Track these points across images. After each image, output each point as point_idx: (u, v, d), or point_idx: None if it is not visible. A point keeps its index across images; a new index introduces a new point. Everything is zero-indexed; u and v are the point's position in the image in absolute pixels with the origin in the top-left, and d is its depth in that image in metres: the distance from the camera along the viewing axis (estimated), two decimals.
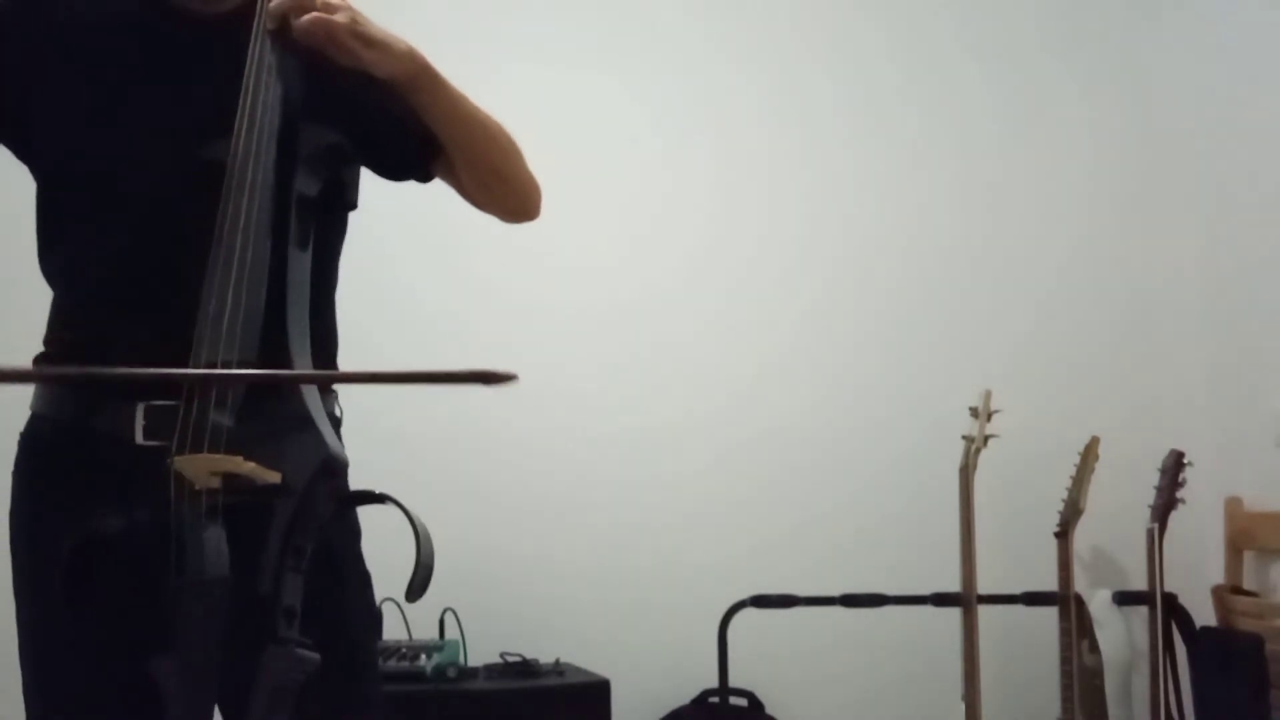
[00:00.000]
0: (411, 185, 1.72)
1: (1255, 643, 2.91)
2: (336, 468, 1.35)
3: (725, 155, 3.54)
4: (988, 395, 3.13)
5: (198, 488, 1.29)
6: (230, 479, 1.29)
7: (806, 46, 3.60)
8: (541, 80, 3.36)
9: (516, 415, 3.23)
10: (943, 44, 3.65)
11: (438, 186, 1.74)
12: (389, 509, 1.34)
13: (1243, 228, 3.37)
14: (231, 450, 1.30)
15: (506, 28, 3.43)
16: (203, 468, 1.28)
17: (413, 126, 1.58)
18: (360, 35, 1.47)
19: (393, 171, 1.69)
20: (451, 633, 3.04)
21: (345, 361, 1.61)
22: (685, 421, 3.41)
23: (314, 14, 1.45)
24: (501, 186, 1.68)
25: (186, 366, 1.33)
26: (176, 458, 1.29)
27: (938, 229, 3.58)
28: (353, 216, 1.63)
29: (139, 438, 1.40)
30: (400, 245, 3.17)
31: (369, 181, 1.65)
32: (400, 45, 1.51)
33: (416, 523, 1.30)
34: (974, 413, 3.13)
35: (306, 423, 1.34)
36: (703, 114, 3.54)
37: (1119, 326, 3.61)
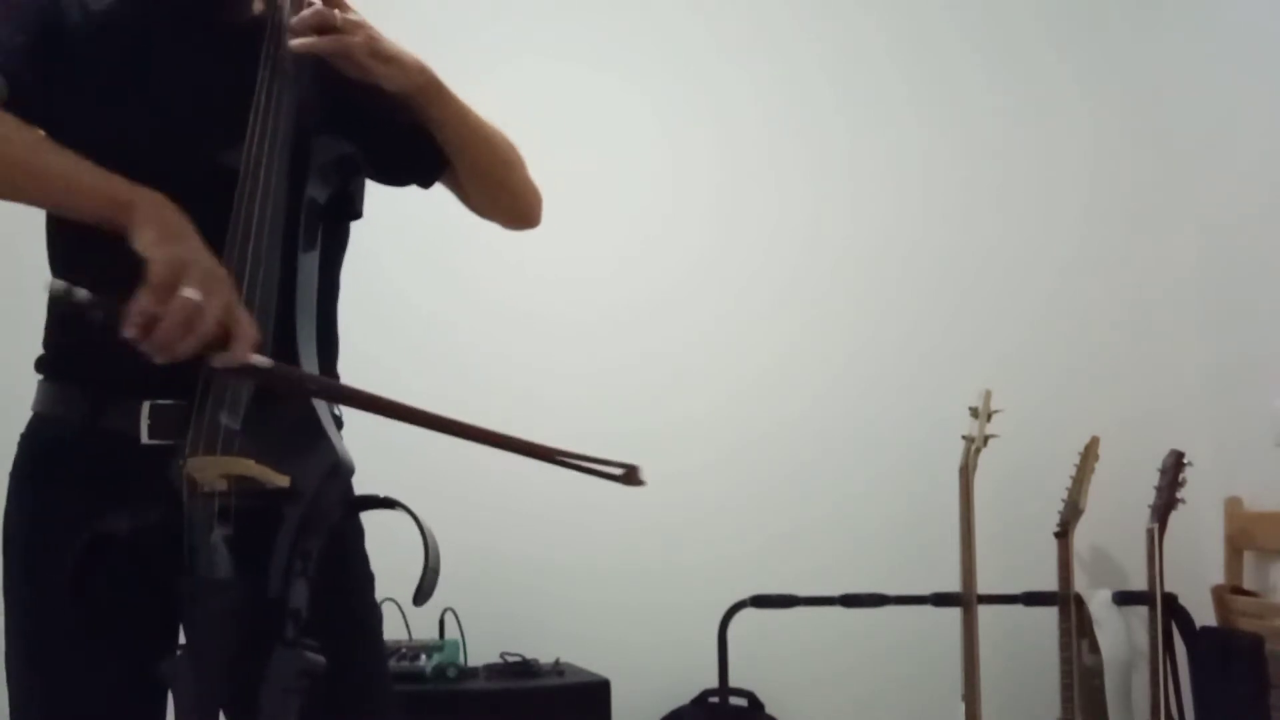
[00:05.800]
0: (409, 193, 1.73)
1: (1255, 643, 2.90)
2: (344, 472, 1.35)
3: (727, 157, 3.53)
4: (988, 395, 3.13)
5: (206, 490, 1.28)
6: (239, 481, 1.29)
7: (808, 48, 3.60)
8: (540, 80, 3.36)
9: (517, 416, 3.21)
10: (945, 45, 3.65)
11: (436, 195, 1.74)
12: (391, 510, 1.34)
13: (1242, 228, 3.36)
14: (240, 453, 1.29)
15: (504, 27, 3.42)
16: (213, 470, 1.28)
17: (420, 137, 1.60)
18: (377, 53, 1.50)
19: (397, 179, 1.70)
20: (451, 633, 3.04)
21: (341, 368, 1.59)
22: (685, 422, 3.40)
23: (334, 36, 1.48)
24: (504, 196, 1.71)
25: (198, 370, 1.32)
26: (189, 459, 1.29)
27: (938, 229, 3.58)
28: (351, 225, 1.63)
29: (144, 437, 1.39)
30: (398, 251, 3.15)
31: (367, 191, 1.65)
32: (411, 60, 1.54)
33: (425, 528, 1.30)
34: (974, 413, 3.13)
35: (314, 427, 1.34)
36: (704, 116, 3.53)
37: (1119, 326, 3.61)
